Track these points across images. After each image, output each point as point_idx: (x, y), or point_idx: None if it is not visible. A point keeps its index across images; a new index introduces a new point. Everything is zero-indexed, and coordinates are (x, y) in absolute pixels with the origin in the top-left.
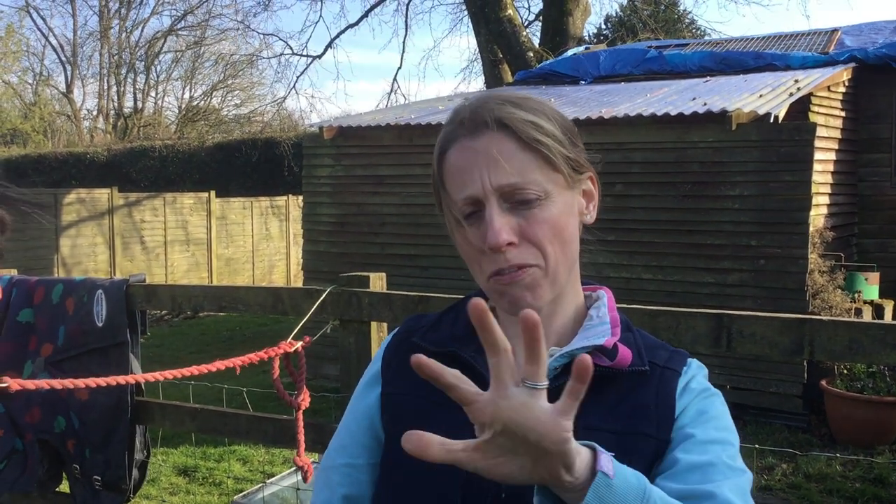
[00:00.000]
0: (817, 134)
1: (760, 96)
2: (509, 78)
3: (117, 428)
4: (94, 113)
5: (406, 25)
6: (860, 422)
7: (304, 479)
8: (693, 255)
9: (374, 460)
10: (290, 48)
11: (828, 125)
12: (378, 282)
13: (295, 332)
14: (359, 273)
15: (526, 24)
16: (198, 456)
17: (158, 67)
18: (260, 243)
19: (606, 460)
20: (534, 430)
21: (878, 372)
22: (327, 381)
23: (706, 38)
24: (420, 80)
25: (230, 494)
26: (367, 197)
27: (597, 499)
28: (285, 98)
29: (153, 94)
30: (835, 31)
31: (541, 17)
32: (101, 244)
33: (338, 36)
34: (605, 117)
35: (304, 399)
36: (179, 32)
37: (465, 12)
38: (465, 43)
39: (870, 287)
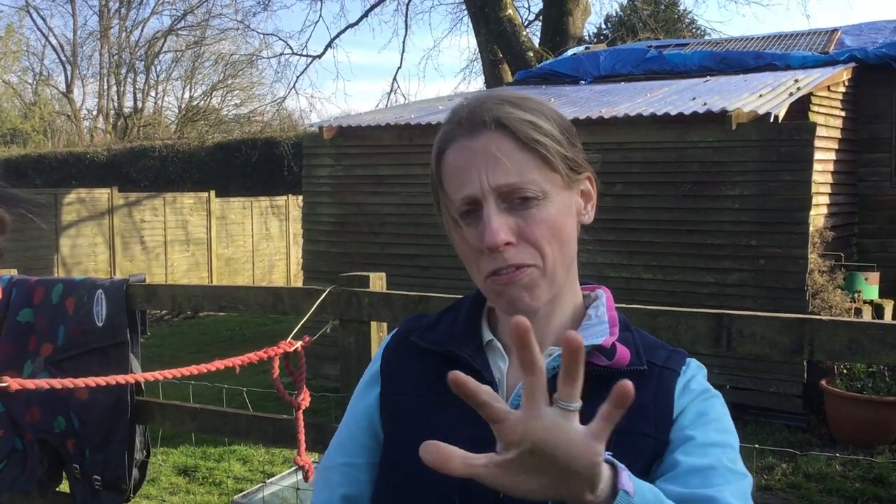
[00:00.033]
0: (817, 134)
1: (760, 96)
2: (509, 78)
3: (117, 428)
4: (94, 113)
5: (406, 25)
6: (860, 421)
7: (306, 478)
8: (693, 255)
9: (373, 460)
10: (290, 48)
11: (828, 125)
12: (378, 282)
13: (295, 331)
14: (359, 273)
15: (526, 24)
16: (198, 456)
17: (158, 67)
18: (260, 243)
19: (626, 477)
20: (565, 452)
21: (877, 372)
22: (327, 381)
23: (706, 37)
24: (420, 80)
25: (230, 494)
26: (366, 197)
27: None
28: (285, 98)
29: (153, 93)
30: (835, 30)
31: (541, 17)
32: (101, 244)
33: (338, 36)
34: (605, 117)
35: (304, 399)
36: (179, 32)
37: (465, 12)
38: (465, 43)
39: (870, 287)
